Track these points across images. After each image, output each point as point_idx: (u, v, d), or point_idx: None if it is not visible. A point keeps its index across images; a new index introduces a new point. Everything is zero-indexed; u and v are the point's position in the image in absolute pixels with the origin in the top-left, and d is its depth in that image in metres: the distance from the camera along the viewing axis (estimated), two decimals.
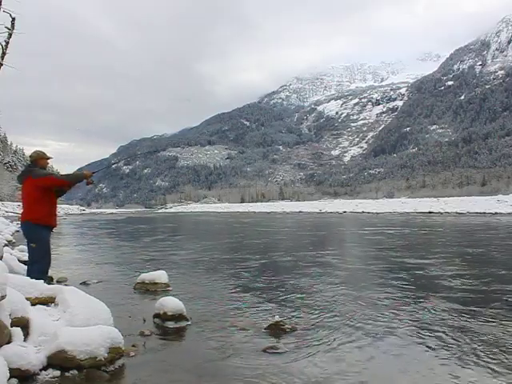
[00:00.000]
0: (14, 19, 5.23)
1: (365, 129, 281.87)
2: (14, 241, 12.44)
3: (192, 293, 5.35)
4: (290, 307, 4.57)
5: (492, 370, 2.83)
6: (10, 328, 2.67)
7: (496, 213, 33.52)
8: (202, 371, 2.87)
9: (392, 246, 10.75)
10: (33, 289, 3.64)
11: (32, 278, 3.93)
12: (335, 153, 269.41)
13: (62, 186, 4.71)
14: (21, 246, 9.06)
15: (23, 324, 2.88)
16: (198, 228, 24.66)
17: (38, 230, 4.54)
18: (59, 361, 2.65)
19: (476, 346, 3.30)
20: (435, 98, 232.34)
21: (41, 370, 2.62)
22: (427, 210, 41.03)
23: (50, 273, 4.93)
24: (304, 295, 5.18)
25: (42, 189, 4.51)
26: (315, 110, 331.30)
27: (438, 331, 3.67)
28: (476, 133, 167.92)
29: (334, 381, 2.70)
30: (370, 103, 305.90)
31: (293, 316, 4.18)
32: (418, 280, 6.10)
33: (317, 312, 4.36)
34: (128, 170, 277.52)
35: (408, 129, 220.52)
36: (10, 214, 37.54)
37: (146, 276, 5.71)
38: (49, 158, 4.84)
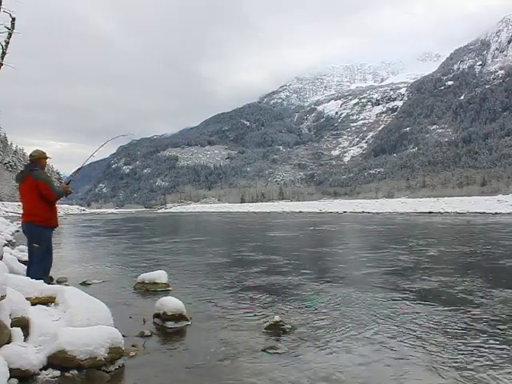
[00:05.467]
0: (14, 19, 5.23)
1: (365, 129, 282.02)
2: (13, 241, 12.44)
3: (192, 293, 5.35)
4: (290, 307, 4.58)
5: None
6: (10, 328, 2.67)
7: (496, 213, 33.44)
8: (202, 371, 2.87)
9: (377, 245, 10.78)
10: (33, 289, 3.64)
11: (33, 278, 3.93)
12: (335, 153, 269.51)
13: (51, 199, 4.62)
14: (21, 246, 9.07)
15: (23, 324, 2.88)
16: (197, 228, 24.67)
17: (41, 230, 4.55)
18: (59, 361, 2.65)
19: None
20: (435, 98, 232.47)
21: (41, 370, 2.62)
22: (427, 210, 40.93)
23: (50, 273, 4.94)
24: (305, 295, 5.18)
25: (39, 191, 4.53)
26: (315, 109, 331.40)
27: (438, 333, 3.68)
28: (476, 133, 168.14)
29: (333, 380, 2.70)
30: (369, 103, 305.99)
31: (293, 316, 4.18)
32: (427, 284, 6.10)
33: (317, 312, 4.36)
34: (128, 170, 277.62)
35: (408, 129, 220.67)
36: (10, 214, 37.54)
37: (146, 276, 5.71)
38: (48, 158, 4.85)
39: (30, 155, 4.76)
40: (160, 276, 5.70)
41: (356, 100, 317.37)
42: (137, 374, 2.80)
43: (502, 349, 3.23)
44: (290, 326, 3.74)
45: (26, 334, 2.84)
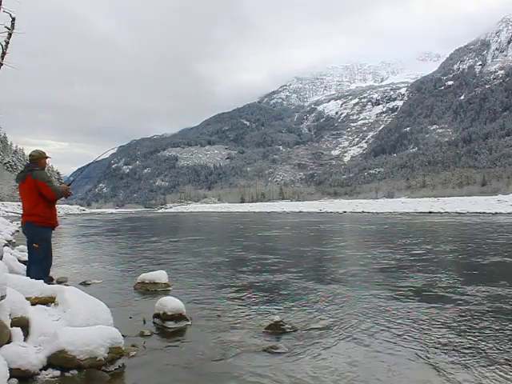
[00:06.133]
0: (14, 19, 5.24)
1: (365, 129, 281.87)
2: (14, 241, 12.43)
3: (192, 293, 5.35)
4: (290, 307, 4.58)
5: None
6: (9, 328, 2.67)
7: (496, 213, 33.46)
8: (202, 371, 2.87)
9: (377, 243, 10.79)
10: (33, 289, 3.64)
11: (33, 278, 3.94)
12: (335, 153, 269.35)
13: (51, 198, 4.64)
14: (21, 246, 9.06)
15: (23, 324, 2.88)
16: (197, 228, 24.67)
17: (41, 230, 4.56)
18: (59, 361, 2.65)
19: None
20: (435, 98, 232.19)
21: (41, 370, 2.61)
22: (427, 210, 40.95)
23: (50, 273, 4.94)
24: (304, 295, 5.18)
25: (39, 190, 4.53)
26: (315, 109, 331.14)
27: (435, 332, 3.68)
28: (476, 133, 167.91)
29: (333, 380, 2.70)
30: (369, 103, 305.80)
31: (293, 316, 4.18)
32: (427, 284, 6.11)
33: (317, 312, 4.37)
34: (128, 170, 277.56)
35: (408, 129, 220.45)
36: (10, 214, 37.53)
37: (146, 276, 5.71)
38: (47, 158, 4.86)
39: (30, 155, 4.76)
40: (160, 276, 5.70)
41: (356, 100, 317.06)
42: (137, 374, 2.80)
43: (486, 342, 3.35)
44: (289, 326, 3.74)
45: (26, 334, 2.84)
